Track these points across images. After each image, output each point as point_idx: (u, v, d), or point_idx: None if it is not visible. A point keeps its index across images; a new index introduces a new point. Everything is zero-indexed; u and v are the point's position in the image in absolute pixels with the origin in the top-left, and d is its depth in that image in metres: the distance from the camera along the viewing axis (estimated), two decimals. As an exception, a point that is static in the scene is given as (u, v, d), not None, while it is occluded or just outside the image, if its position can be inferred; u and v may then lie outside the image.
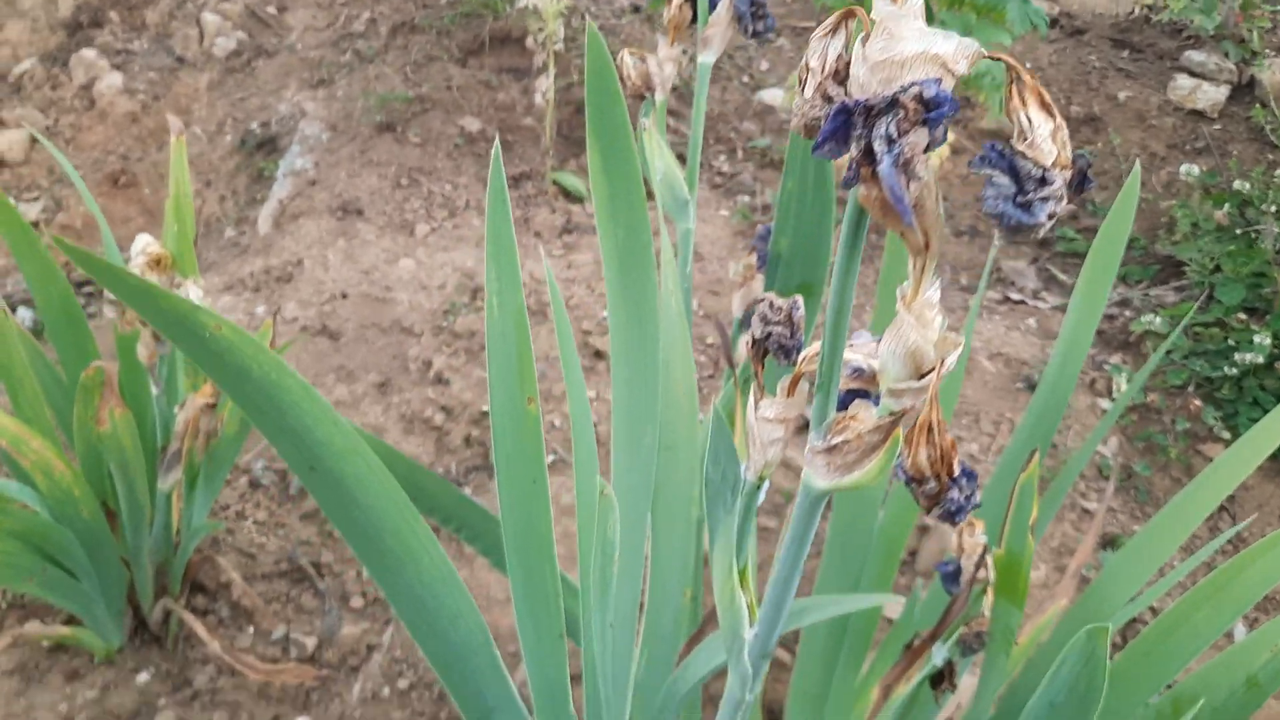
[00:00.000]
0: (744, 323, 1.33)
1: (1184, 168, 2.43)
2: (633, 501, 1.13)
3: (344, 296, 2.16)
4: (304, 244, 2.27)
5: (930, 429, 0.51)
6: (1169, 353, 2.02)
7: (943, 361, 0.51)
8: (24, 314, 2.70)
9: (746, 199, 2.41)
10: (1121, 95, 2.85)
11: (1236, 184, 2.34)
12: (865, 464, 0.57)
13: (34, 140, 3.40)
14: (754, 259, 1.32)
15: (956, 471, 0.51)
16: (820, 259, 1.23)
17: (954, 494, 0.51)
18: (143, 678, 1.65)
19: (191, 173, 3.25)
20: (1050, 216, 0.43)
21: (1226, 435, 1.86)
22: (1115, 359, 2.08)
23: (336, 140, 2.61)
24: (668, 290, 1.21)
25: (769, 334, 0.69)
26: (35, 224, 3.16)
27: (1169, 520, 1.13)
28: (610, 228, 1.11)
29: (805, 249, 1.22)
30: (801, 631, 1.37)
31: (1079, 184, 0.45)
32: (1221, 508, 1.78)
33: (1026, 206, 0.43)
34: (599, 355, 1.99)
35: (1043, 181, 0.44)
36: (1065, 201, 0.44)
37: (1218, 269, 2.16)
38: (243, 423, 1.51)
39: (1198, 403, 1.92)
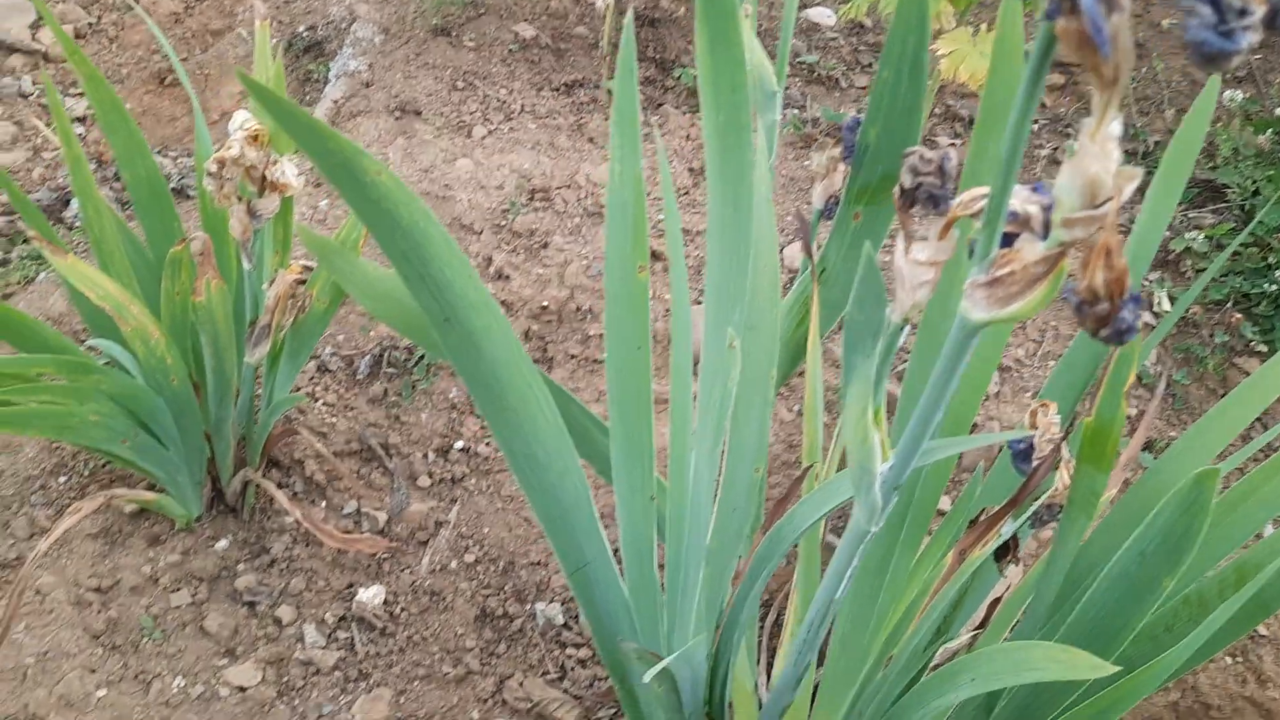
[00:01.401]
0: (824, 213, 1.38)
1: (1226, 94, 2.46)
2: (719, 376, 1.19)
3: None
4: (362, 142, 2.30)
5: (1109, 252, 0.56)
6: (1204, 270, 2.08)
7: (1120, 190, 0.56)
8: (76, 205, 2.73)
9: (795, 112, 2.44)
10: (1165, 23, 2.87)
11: (1278, 111, 2.38)
12: (1027, 295, 0.63)
13: (80, 36, 3.40)
14: (838, 151, 1.36)
15: (1129, 294, 0.57)
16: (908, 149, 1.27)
17: (1125, 314, 0.57)
18: (221, 545, 1.72)
19: (236, 76, 3.26)
20: (1248, 46, 0.48)
21: (1263, 349, 1.93)
22: (1154, 275, 2.14)
23: (390, 43, 2.62)
24: (759, 175, 1.26)
25: (919, 184, 0.74)
26: (83, 118, 3.18)
27: (1208, 427, 1.19)
28: (714, 108, 1.16)
29: (894, 138, 1.26)
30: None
31: (1270, 20, 0.50)
32: (1255, 419, 1.85)
33: (1227, 34, 0.49)
34: (655, 256, 2.04)
35: (1242, 13, 0.49)
36: (1259, 34, 0.49)
37: (1257, 193, 2.21)
38: (331, 299, 1.56)
39: (1237, 316, 1.99)
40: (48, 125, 3.07)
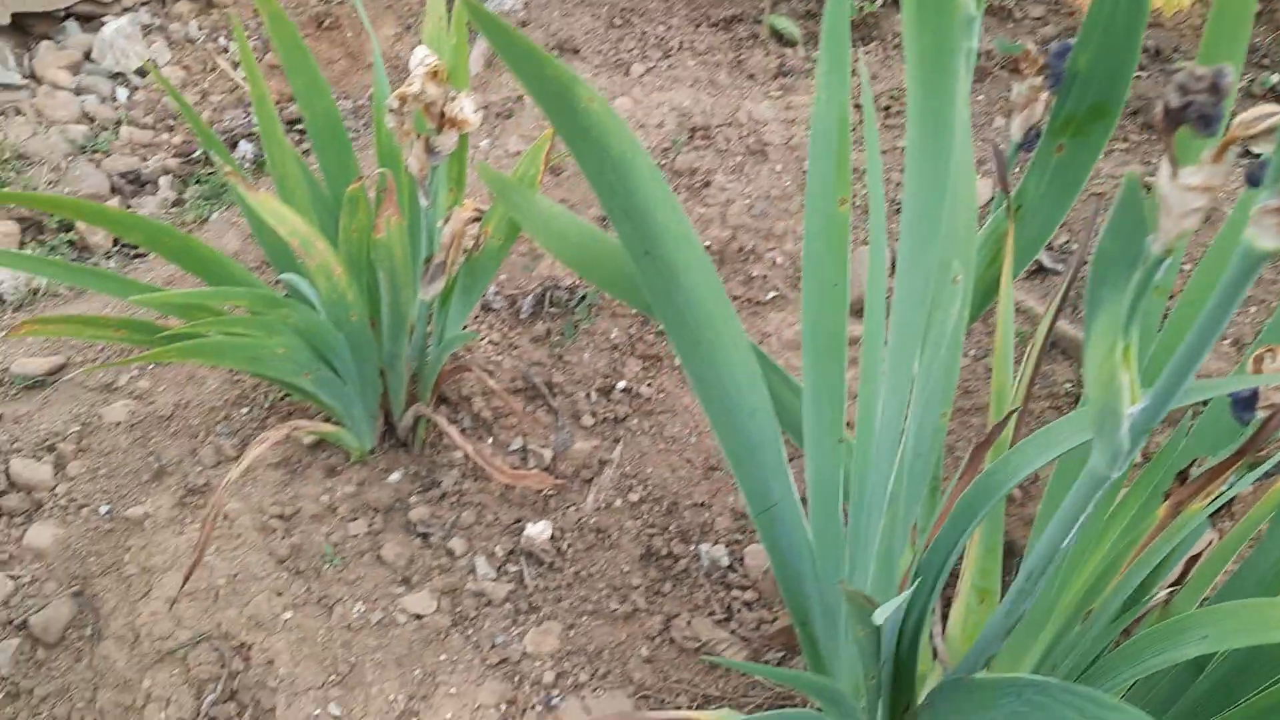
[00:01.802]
0: (1022, 145, 1.31)
1: None
2: (911, 315, 1.13)
3: (552, 137, 2.19)
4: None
5: None
6: None
7: None
8: (245, 147, 2.82)
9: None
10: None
11: None
12: (1331, 219, 0.57)
13: (238, -19, 3.49)
14: (1039, 80, 1.28)
15: None
16: (1121, 76, 1.19)
17: None
18: (394, 477, 1.77)
19: (390, 16, 3.30)
20: None
21: None
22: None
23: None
24: (961, 104, 1.20)
25: (1189, 103, 0.68)
26: (238, 65, 3.27)
27: None
28: (918, 29, 1.10)
29: (1108, 65, 1.18)
30: (1055, 467, 1.38)
31: None
32: None
33: None
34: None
35: None
36: None
37: None
38: (506, 237, 1.56)
39: None
40: (216, 69, 3.17)
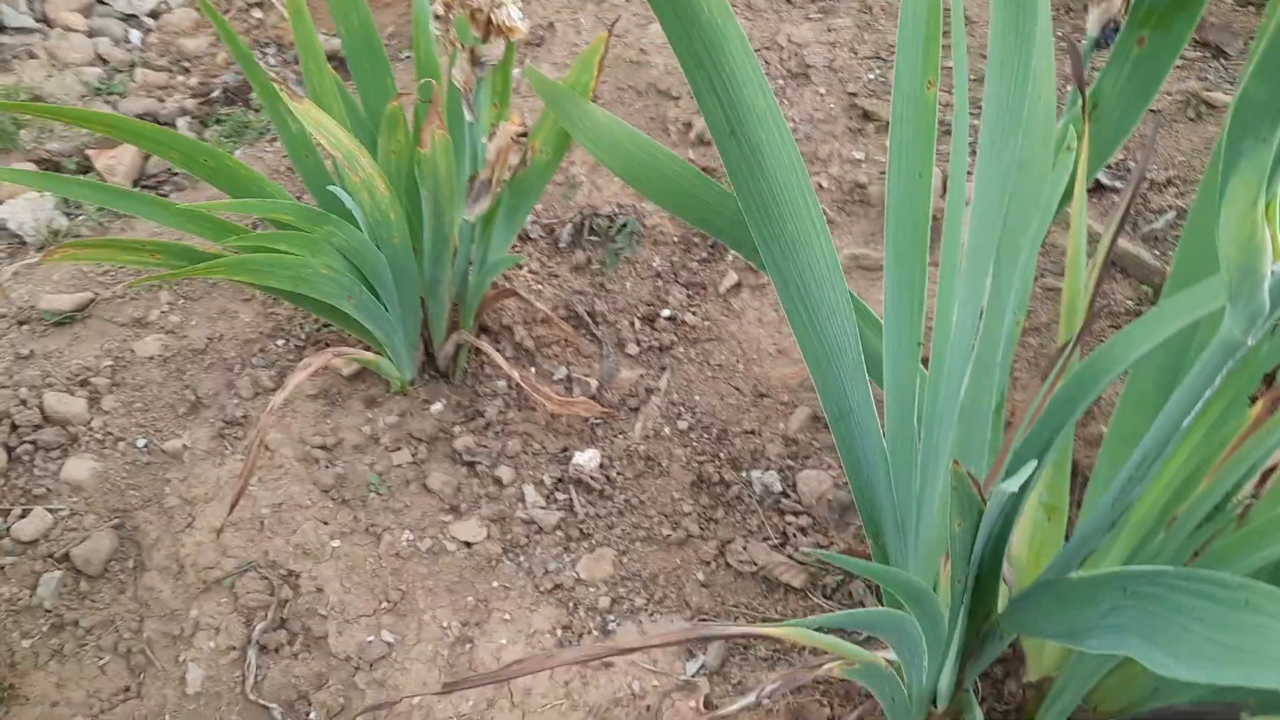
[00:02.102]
0: (1100, 42, 1.26)
1: None
2: (987, 219, 1.09)
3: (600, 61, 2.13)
4: (552, 8, 2.24)
5: None
6: None
7: None
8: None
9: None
10: None
11: None
12: None
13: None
14: (1119, -29, 1.23)
15: None
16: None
17: None
18: (436, 407, 1.73)
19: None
20: None
21: None
22: None
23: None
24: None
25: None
26: (259, 3, 3.20)
27: None
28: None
29: (1196, -51, 1.13)
30: (1127, 379, 1.34)
31: None
32: None
33: None
34: (867, 116, 1.93)
35: None
36: None
37: None
38: (554, 151, 1.51)
39: None
40: (230, 9, 3.10)
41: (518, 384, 1.74)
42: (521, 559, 1.55)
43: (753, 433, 1.71)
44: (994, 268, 1.25)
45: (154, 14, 3.09)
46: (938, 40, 0.96)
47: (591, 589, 1.52)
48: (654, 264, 1.90)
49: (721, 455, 1.68)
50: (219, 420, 1.71)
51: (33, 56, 2.86)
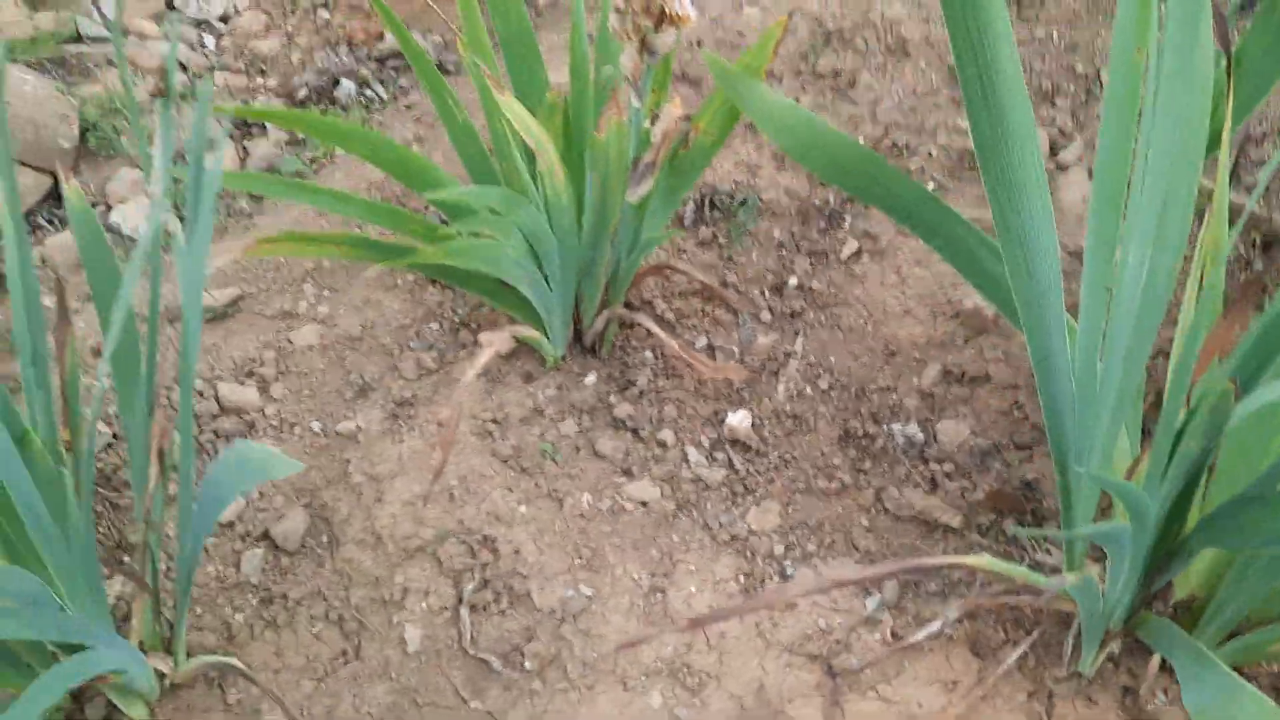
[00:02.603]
0: (1244, 4, 1.37)
1: None
2: (1159, 170, 1.18)
3: (698, 44, 2.24)
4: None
5: None
6: None
7: None
8: (347, 85, 2.85)
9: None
10: None
11: None
12: None
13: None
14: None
15: None
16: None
17: None
18: (590, 380, 1.84)
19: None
20: None
21: None
22: None
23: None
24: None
25: None
26: (324, 3, 3.27)
27: None
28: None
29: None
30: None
31: None
32: None
33: None
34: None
35: None
36: None
37: None
38: (720, 133, 1.62)
39: None
40: (296, 11, 3.18)
41: (664, 353, 1.86)
42: (695, 514, 1.67)
43: (889, 389, 1.83)
44: (1159, 216, 1.37)
45: (224, 18, 3.16)
46: (1150, 12, 1.07)
47: (764, 538, 1.64)
48: (775, 235, 2.01)
49: (862, 411, 1.80)
50: (388, 402, 1.82)
51: (111, 64, 2.93)
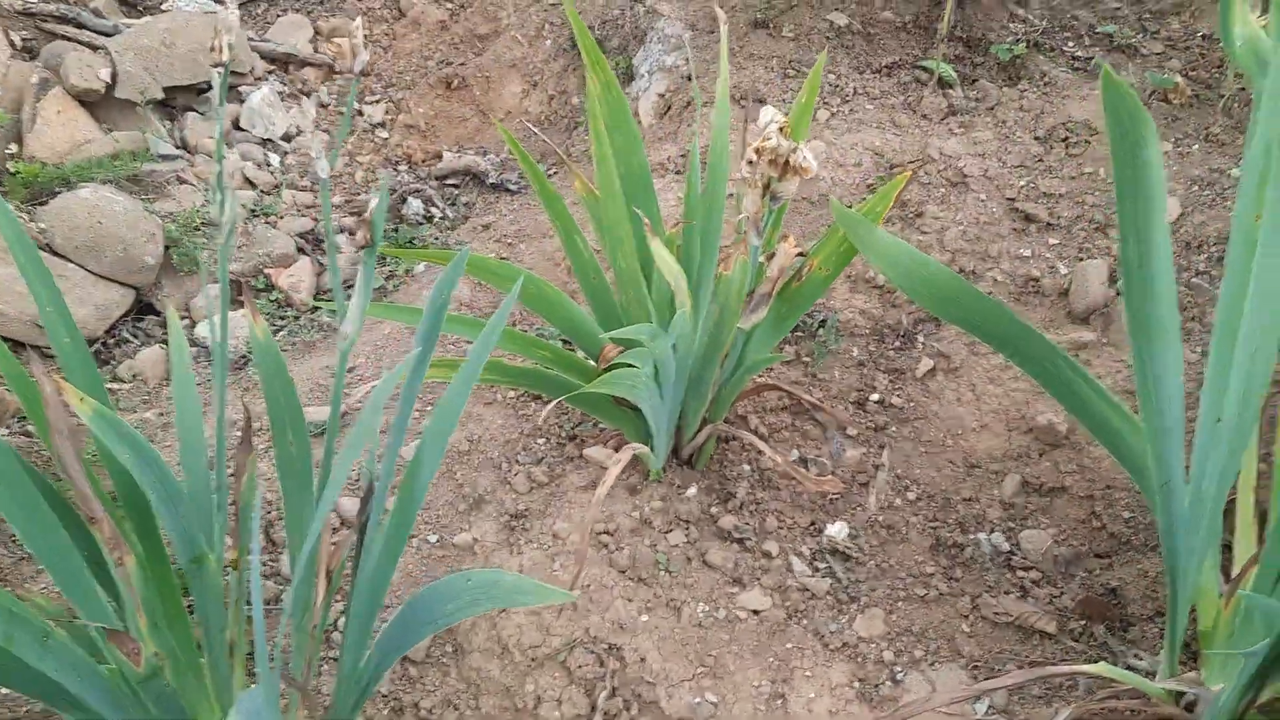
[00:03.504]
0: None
1: None
2: (1264, 313, 1.32)
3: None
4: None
5: None
6: None
7: None
8: (414, 204, 2.99)
9: None
10: None
11: None
12: None
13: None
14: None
15: None
16: None
17: None
18: (691, 492, 1.95)
19: (515, 75, 3.50)
20: None
21: None
22: None
23: (700, 39, 2.83)
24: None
25: None
26: (381, 124, 3.44)
27: None
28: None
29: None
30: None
31: None
32: None
33: None
34: (1028, 218, 2.22)
35: None
36: None
37: None
38: (835, 268, 1.76)
39: None
40: (355, 130, 3.34)
41: (760, 466, 1.98)
42: (805, 622, 1.77)
43: (972, 499, 1.95)
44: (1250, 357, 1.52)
45: (287, 137, 3.31)
46: (1268, 180, 1.23)
47: (873, 644, 1.73)
48: (854, 354, 2.15)
49: (950, 520, 1.92)
50: (502, 514, 1.91)
51: (183, 182, 3.06)
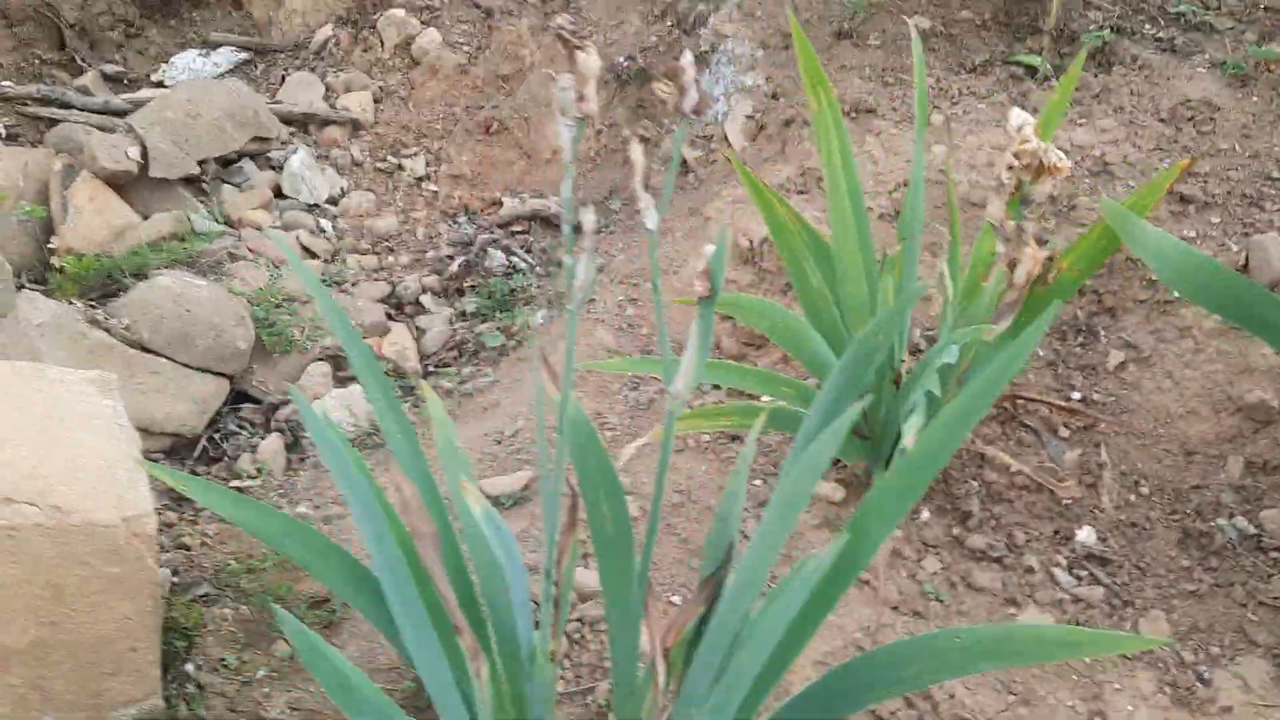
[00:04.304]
0: None
1: None
2: None
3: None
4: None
5: None
6: None
7: None
8: (496, 255, 2.86)
9: None
10: None
11: None
12: None
13: (375, 100, 3.51)
14: None
15: None
16: None
17: None
18: (925, 515, 1.88)
19: (554, 113, 3.39)
20: None
21: None
22: None
23: (774, 55, 2.78)
24: None
25: None
26: (425, 177, 3.29)
27: None
28: None
29: None
30: None
31: None
32: None
33: None
34: (1184, 199, 2.22)
35: None
36: None
37: None
38: (1084, 270, 1.71)
39: None
40: (398, 187, 3.19)
41: (984, 480, 1.92)
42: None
43: (1200, 486, 1.93)
44: None
45: (332, 200, 3.14)
46: None
47: (1165, 648, 1.69)
48: (1040, 354, 2.11)
49: (1187, 510, 1.89)
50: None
51: (236, 258, 2.85)
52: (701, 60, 2.99)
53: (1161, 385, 2.06)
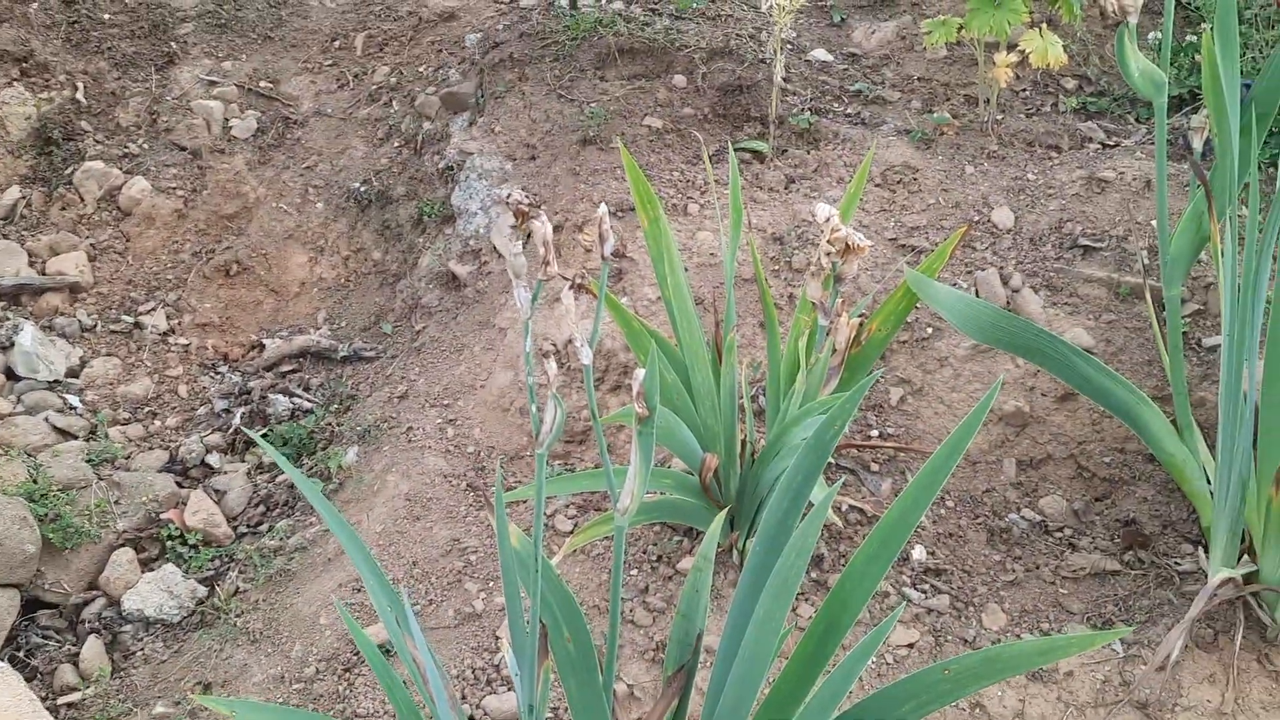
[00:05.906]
0: (1204, 153, 2.03)
1: None
2: None
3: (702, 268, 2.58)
4: (615, 242, 2.64)
5: None
6: None
7: None
8: (279, 400, 2.77)
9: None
10: None
11: None
12: None
13: (90, 259, 3.27)
14: None
15: None
16: None
17: None
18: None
19: (295, 245, 3.33)
20: None
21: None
22: None
23: (523, 166, 2.93)
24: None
25: None
26: (170, 331, 3.11)
27: None
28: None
29: None
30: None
31: None
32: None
33: None
34: (917, 251, 2.59)
35: None
36: None
37: None
38: (892, 327, 1.97)
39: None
40: (144, 346, 3.01)
41: (826, 523, 2.14)
42: (949, 636, 1.96)
43: (989, 490, 2.26)
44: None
45: (72, 373, 2.90)
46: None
47: (1007, 633, 1.97)
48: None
49: (985, 511, 2.22)
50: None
51: (-21, 455, 2.57)
52: (447, 177, 3.09)
53: (937, 410, 2.39)
